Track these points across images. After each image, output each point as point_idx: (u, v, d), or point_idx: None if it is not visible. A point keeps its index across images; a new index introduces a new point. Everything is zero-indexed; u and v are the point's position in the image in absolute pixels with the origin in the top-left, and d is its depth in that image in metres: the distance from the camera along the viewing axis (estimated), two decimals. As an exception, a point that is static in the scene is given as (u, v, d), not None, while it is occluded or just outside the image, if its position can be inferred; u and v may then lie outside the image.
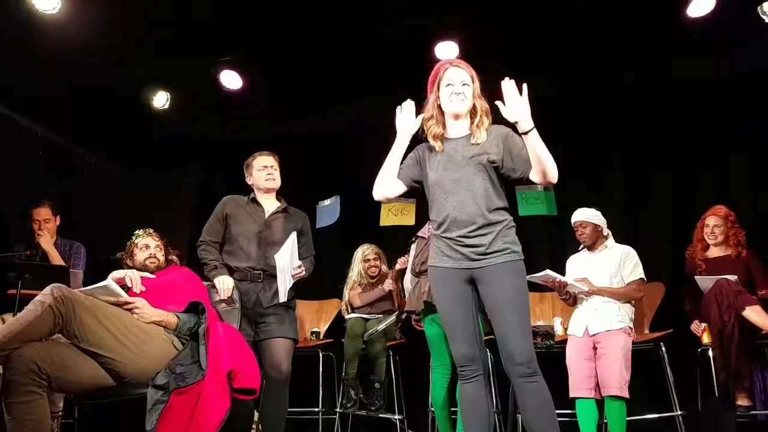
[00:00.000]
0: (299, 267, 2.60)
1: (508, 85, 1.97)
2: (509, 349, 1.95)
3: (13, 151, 3.97)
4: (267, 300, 2.67)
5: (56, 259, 3.42)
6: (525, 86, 1.98)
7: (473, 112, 2.14)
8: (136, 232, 2.63)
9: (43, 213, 3.52)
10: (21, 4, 3.21)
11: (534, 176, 2.04)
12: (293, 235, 2.64)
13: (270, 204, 2.86)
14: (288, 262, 2.58)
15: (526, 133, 1.98)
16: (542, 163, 1.98)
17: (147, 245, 2.57)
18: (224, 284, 2.59)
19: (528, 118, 1.97)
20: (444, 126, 2.17)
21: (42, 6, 3.24)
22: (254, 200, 2.86)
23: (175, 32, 3.64)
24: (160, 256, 2.59)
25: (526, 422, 1.96)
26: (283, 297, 2.60)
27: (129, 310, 2.18)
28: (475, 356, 2.02)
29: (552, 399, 1.96)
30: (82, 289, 2.18)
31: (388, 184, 2.18)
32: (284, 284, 2.58)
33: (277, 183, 2.87)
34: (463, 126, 2.16)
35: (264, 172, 2.83)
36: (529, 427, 1.95)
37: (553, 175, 2.01)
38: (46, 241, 3.44)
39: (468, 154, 2.09)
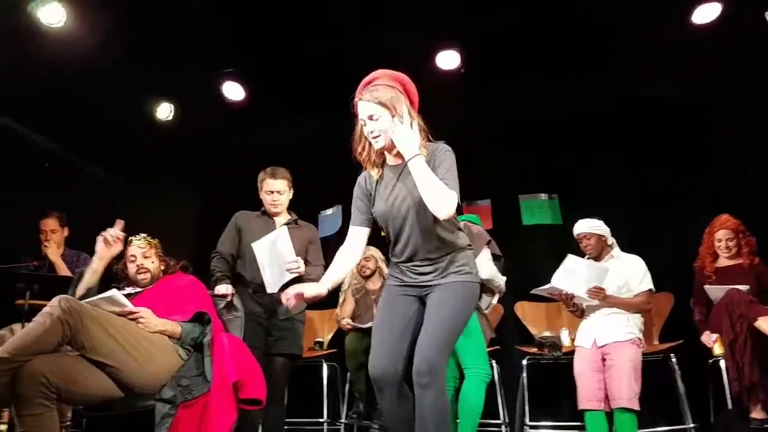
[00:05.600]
0: (294, 261, 2.58)
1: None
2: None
3: (20, 163, 3.99)
4: (283, 312, 2.68)
5: (63, 269, 3.42)
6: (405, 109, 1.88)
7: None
8: (129, 238, 2.51)
9: (50, 224, 3.52)
10: (26, 17, 3.24)
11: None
12: (283, 228, 2.66)
13: (281, 217, 2.92)
14: (269, 252, 2.58)
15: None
16: (425, 194, 1.82)
17: (134, 256, 2.47)
18: (223, 289, 2.65)
19: (409, 148, 1.84)
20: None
21: (47, 19, 3.27)
22: (265, 213, 2.92)
23: (179, 44, 3.67)
24: (150, 265, 2.48)
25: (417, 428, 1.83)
26: (270, 288, 2.62)
27: (134, 319, 2.17)
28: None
29: (445, 417, 1.78)
30: (87, 299, 2.17)
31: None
32: (272, 277, 2.59)
33: (281, 209, 2.89)
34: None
35: (270, 197, 2.87)
36: None
37: (437, 209, 1.81)
38: (53, 252, 3.44)
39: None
